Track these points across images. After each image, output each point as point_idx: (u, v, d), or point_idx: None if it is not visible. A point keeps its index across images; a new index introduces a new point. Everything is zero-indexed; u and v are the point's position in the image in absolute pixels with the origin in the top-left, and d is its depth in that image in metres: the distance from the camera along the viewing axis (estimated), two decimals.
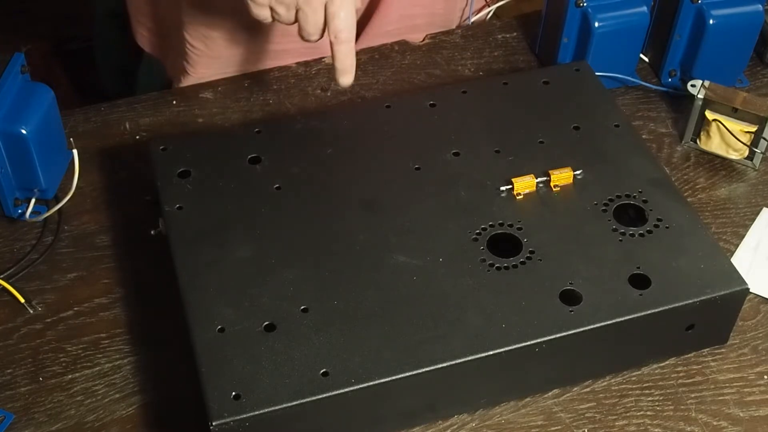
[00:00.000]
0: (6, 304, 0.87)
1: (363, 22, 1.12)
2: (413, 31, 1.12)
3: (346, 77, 0.90)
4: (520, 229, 0.84)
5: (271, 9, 0.87)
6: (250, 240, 0.82)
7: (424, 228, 0.84)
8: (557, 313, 0.78)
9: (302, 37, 0.89)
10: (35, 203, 0.92)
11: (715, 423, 0.80)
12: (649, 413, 0.81)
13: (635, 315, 0.78)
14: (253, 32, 1.07)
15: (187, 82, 1.11)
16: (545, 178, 0.88)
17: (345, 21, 0.86)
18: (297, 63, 1.10)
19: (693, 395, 0.82)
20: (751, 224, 0.96)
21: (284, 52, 1.09)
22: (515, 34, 1.15)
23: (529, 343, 0.76)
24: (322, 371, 0.73)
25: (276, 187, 0.87)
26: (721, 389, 0.83)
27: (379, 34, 1.12)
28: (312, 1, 0.85)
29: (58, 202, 0.92)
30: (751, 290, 0.85)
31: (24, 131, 0.85)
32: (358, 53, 1.13)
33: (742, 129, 0.98)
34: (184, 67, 1.11)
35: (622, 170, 0.89)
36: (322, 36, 0.89)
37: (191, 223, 0.84)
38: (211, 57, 1.09)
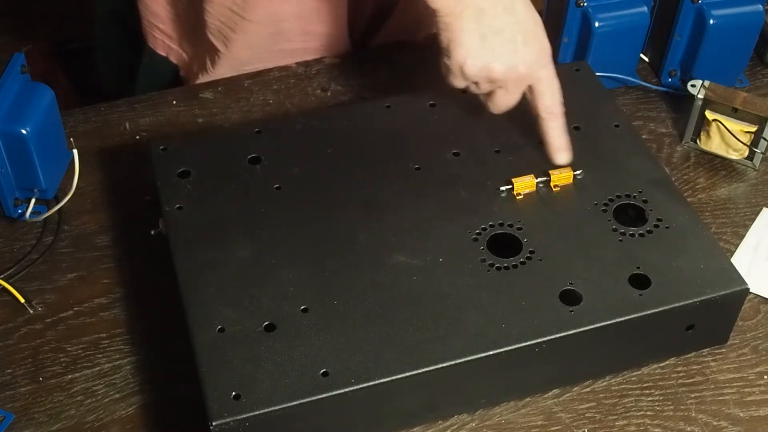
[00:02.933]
0: (6, 304, 0.87)
1: (384, 17, 1.13)
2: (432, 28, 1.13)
3: (563, 155, 0.89)
4: (520, 229, 0.84)
5: (474, 82, 0.86)
6: (250, 240, 0.82)
7: (424, 228, 0.84)
8: (557, 313, 0.78)
9: (488, 109, 0.89)
10: (35, 203, 0.92)
11: (715, 423, 0.80)
12: (649, 413, 0.81)
13: (635, 315, 0.78)
14: (272, 34, 1.08)
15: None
16: (545, 178, 0.88)
17: (553, 98, 0.87)
18: (297, 63, 1.11)
19: (693, 395, 0.82)
20: (751, 224, 0.96)
21: (301, 50, 1.10)
22: None
23: (529, 343, 0.76)
24: (322, 371, 0.73)
25: (276, 187, 0.87)
26: (721, 389, 0.83)
27: (398, 31, 1.14)
28: (523, 80, 0.85)
29: (58, 202, 0.92)
30: (751, 290, 0.85)
31: (24, 131, 0.85)
32: (360, 52, 1.13)
33: (742, 129, 0.98)
34: (206, 68, 1.12)
35: (622, 170, 0.89)
36: None
37: (191, 223, 0.84)
38: (230, 58, 1.10)
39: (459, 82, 0.86)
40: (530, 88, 0.87)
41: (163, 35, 1.15)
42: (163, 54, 1.17)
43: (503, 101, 0.88)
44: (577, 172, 0.88)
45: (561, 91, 0.88)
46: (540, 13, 1.09)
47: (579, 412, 0.81)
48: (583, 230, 0.84)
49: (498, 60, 0.84)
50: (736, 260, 0.91)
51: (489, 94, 0.88)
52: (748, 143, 0.99)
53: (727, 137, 0.99)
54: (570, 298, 0.79)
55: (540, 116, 0.88)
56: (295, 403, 0.71)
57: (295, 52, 1.10)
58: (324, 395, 0.72)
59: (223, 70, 1.10)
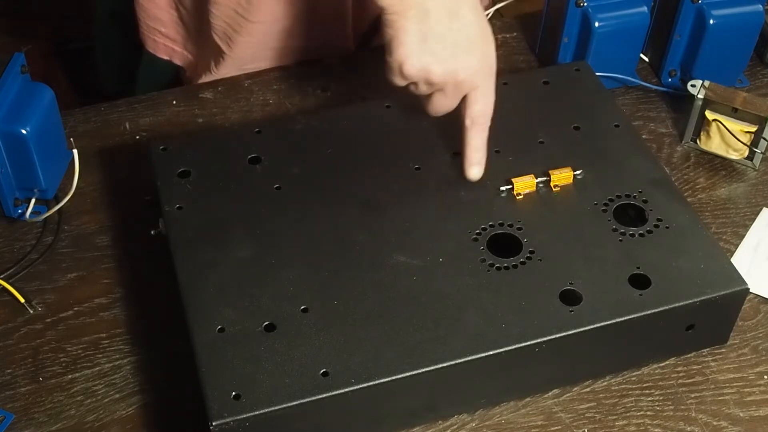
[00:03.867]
0: (6, 304, 0.87)
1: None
2: None
3: (475, 169, 0.87)
4: (520, 229, 0.84)
5: (414, 83, 0.85)
6: (250, 240, 0.82)
7: (424, 228, 0.84)
8: (557, 313, 0.78)
9: (425, 111, 0.88)
10: (35, 203, 0.92)
11: (715, 423, 0.80)
12: (649, 413, 0.81)
13: (635, 315, 0.78)
14: (276, 33, 1.08)
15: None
16: (545, 178, 0.88)
17: (484, 108, 0.86)
18: (297, 63, 1.11)
19: (693, 395, 0.82)
20: (751, 224, 0.96)
21: (305, 50, 1.10)
22: (515, 34, 1.15)
23: (529, 343, 0.76)
24: (322, 371, 0.73)
25: (276, 187, 0.87)
26: (721, 389, 0.83)
27: None
28: (462, 86, 0.84)
29: (58, 202, 0.92)
30: (751, 290, 0.85)
31: (24, 131, 0.85)
32: (360, 52, 1.13)
33: (742, 129, 0.98)
34: (209, 68, 1.12)
35: (622, 170, 0.89)
36: None
37: (191, 223, 0.84)
38: (234, 58, 1.10)
39: (399, 81, 0.85)
40: (465, 95, 0.85)
41: (165, 39, 1.15)
42: (166, 57, 1.17)
43: (441, 105, 0.86)
44: (577, 172, 0.88)
45: (493, 108, 0.86)
46: (540, 12, 1.10)
47: (579, 412, 0.81)
48: (583, 230, 0.84)
49: (437, 63, 0.82)
50: (736, 260, 0.91)
51: (427, 97, 0.86)
52: (748, 143, 0.99)
53: (727, 137, 0.99)
54: (570, 298, 0.79)
55: (465, 124, 0.86)
56: (295, 403, 0.72)
57: (299, 51, 1.10)
58: (324, 395, 0.72)
59: (226, 70, 1.11)
